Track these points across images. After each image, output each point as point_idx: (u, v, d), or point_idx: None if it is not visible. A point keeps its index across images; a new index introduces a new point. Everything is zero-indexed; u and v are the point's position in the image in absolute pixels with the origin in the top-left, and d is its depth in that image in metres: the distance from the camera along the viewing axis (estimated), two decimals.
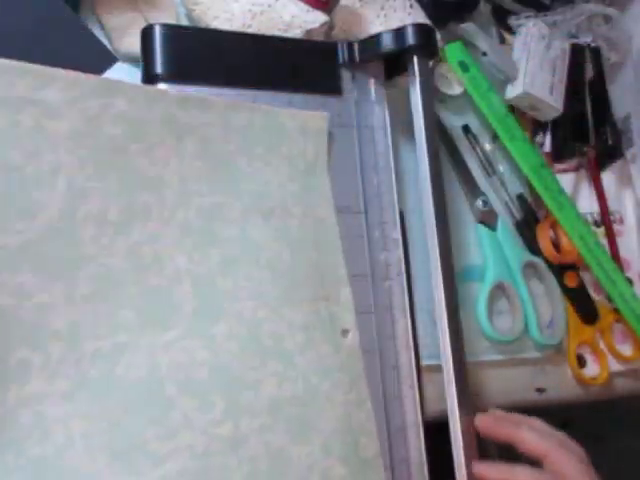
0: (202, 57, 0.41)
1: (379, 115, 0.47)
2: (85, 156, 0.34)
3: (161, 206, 0.37)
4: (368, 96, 0.48)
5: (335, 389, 0.40)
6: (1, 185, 0.31)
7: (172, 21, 0.46)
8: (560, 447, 0.40)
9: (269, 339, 0.38)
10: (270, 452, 0.37)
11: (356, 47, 0.47)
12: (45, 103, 0.33)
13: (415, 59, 0.46)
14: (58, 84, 0.33)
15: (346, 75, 0.47)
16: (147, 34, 0.41)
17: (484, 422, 0.42)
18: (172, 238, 0.37)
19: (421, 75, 0.46)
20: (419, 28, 0.46)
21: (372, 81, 0.48)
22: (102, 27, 0.45)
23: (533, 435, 0.40)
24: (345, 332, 0.41)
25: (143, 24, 0.43)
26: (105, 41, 0.44)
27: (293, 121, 0.43)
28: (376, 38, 0.46)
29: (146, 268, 0.35)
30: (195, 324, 0.36)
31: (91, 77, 0.35)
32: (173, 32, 0.42)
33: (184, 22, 0.47)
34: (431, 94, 0.47)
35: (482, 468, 0.40)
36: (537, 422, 0.42)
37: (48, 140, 0.33)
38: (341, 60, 0.47)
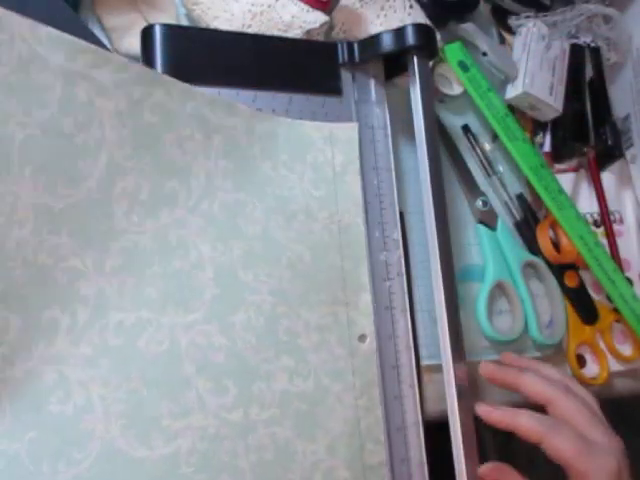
0: (202, 57, 0.41)
1: (379, 115, 0.47)
2: (126, 136, 0.36)
3: (187, 195, 0.38)
4: (368, 96, 0.48)
5: (346, 392, 0.40)
6: (54, 150, 0.33)
7: (172, 21, 0.46)
8: (565, 393, 0.40)
9: (285, 335, 0.40)
10: (277, 444, 0.38)
11: (356, 47, 0.47)
12: (97, 81, 0.35)
13: (415, 59, 0.46)
14: (110, 66, 0.35)
15: (346, 75, 0.47)
16: (147, 34, 0.41)
17: (488, 369, 0.43)
18: (197, 226, 0.38)
19: (421, 75, 0.46)
20: (419, 28, 0.46)
21: (372, 81, 0.48)
22: (102, 27, 0.45)
23: (537, 380, 0.41)
24: (362, 337, 0.42)
25: (143, 24, 0.43)
26: (105, 41, 0.44)
27: (319, 132, 0.44)
28: (376, 38, 0.46)
29: (171, 251, 0.37)
30: (215, 310, 0.38)
31: (137, 66, 0.37)
32: (173, 32, 0.42)
33: (184, 22, 0.47)
34: (431, 94, 0.47)
35: (484, 409, 0.41)
36: (545, 367, 0.43)
37: (97, 115, 0.35)
38: (341, 60, 0.47)
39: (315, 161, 0.44)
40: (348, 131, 0.45)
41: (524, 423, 0.39)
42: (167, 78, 0.38)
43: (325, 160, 0.44)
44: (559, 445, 0.38)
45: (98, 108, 0.35)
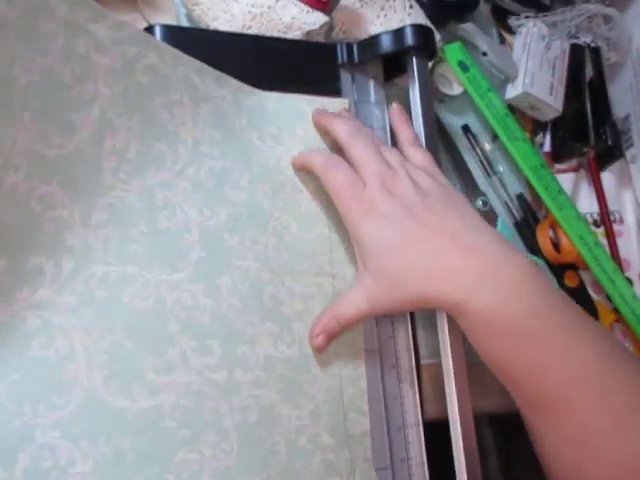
0: (202, 58, 0.41)
1: (378, 116, 0.48)
2: (118, 93, 0.36)
3: (175, 158, 0.39)
4: (367, 97, 0.48)
5: (330, 361, 0.41)
6: (52, 98, 0.34)
7: (172, 22, 0.46)
8: (380, 176, 0.39)
9: (269, 301, 0.40)
10: (261, 406, 0.38)
11: (355, 48, 0.47)
12: (95, 36, 0.35)
13: (414, 59, 0.46)
14: (107, 23, 0.36)
15: (345, 76, 0.47)
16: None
17: (318, 112, 0.43)
18: (183, 190, 0.39)
19: (420, 75, 0.46)
20: (418, 29, 0.46)
21: (371, 82, 0.48)
22: None
23: (362, 145, 0.40)
24: None
25: (143, 24, 0.43)
26: None
27: (310, 105, 0.44)
28: (375, 39, 0.47)
29: (157, 211, 0.37)
30: (201, 272, 0.38)
31: (132, 26, 0.37)
32: (174, 33, 0.42)
33: (184, 23, 0.48)
34: (430, 95, 0.47)
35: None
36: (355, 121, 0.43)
37: (92, 69, 0.35)
38: (340, 61, 0.47)
39: (305, 134, 0.44)
40: (338, 106, 0.45)
41: (314, 157, 0.41)
42: (159, 42, 0.39)
43: (315, 134, 0.45)
44: (331, 179, 0.40)
45: (94, 62, 0.35)
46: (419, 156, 0.43)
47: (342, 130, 0.42)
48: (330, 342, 0.40)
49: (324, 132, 0.43)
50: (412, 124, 0.45)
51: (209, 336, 0.37)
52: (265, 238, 0.41)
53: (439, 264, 0.37)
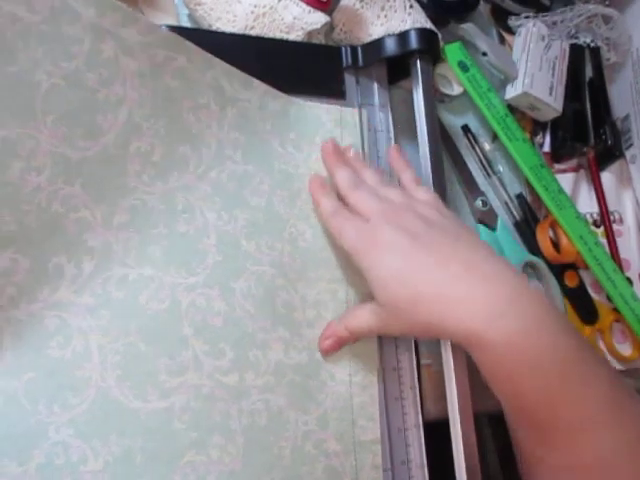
0: None
1: (382, 119, 0.48)
2: (146, 97, 0.37)
3: (198, 162, 0.39)
4: (372, 100, 0.48)
5: (341, 368, 0.41)
6: (76, 102, 0.34)
7: (173, 22, 0.46)
8: (384, 212, 0.39)
9: (282, 307, 0.40)
10: (270, 411, 0.38)
11: (360, 51, 0.47)
12: (124, 40, 0.35)
13: (418, 63, 0.47)
14: (138, 27, 0.36)
15: (350, 79, 0.47)
16: None
17: (328, 144, 0.43)
18: (204, 193, 0.39)
19: (424, 79, 0.46)
20: (422, 33, 0.46)
21: (376, 85, 0.48)
22: None
23: (362, 192, 0.40)
24: None
25: None
26: None
27: (329, 115, 0.45)
28: (380, 42, 0.47)
29: (177, 214, 0.38)
30: (217, 275, 0.38)
31: (164, 30, 0.38)
32: (177, 33, 0.42)
33: (185, 23, 0.47)
34: (434, 98, 0.47)
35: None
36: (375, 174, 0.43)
37: (120, 73, 0.36)
38: (345, 64, 0.47)
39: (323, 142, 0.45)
40: (355, 116, 0.46)
41: (322, 201, 0.42)
42: (191, 45, 0.39)
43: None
44: (335, 224, 0.40)
45: (122, 66, 0.36)
46: (423, 193, 0.42)
47: (342, 181, 0.42)
48: (338, 348, 0.40)
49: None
50: (412, 165, 0.46)
51: (222, 340, 0.38)
52: (281, 244, 0.41)
53: (451, 292, 0.35)
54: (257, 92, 0.42)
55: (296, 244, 0.42)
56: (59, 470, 0.32)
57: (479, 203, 0.52)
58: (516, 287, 0.35)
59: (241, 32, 0.45)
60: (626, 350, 0.53)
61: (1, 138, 0.32)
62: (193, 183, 0.39)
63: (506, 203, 0.54)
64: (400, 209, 0.39)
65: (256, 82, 0.42)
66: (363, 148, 0.46)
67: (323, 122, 0.45)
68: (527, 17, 0.57)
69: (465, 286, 0.35)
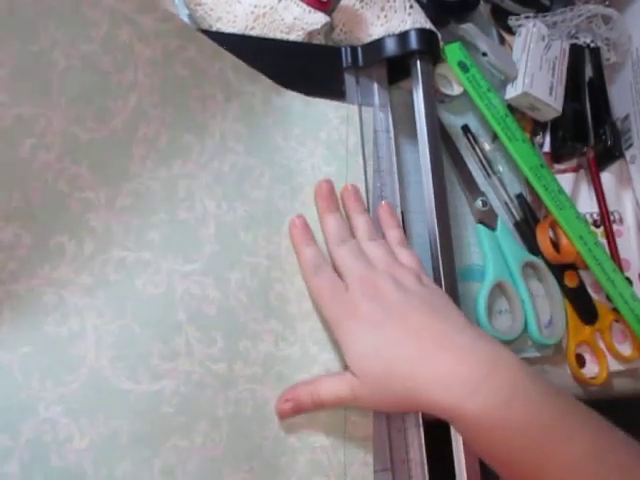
0: None
1: (382, 119, 0.48)
2: (156, 84, 0.37)
3: (201, 151, 0.40)
4: (372, 100, 0.48)
5: (334, 362, 0.41)
6: (90, 84, 0.35)
7: None
8: (363, 278, 0.39)
9: (276, 300, 0.41)
10: (255, 401, 0.38)
11: (360, 51, 0.47)
12: (140, 27, 0.36)
13: (418, 63, 0.47)
14: (155, 15, 0.37)
15: (350, 79, 0.47)
16: None
17: (322, 185, 0.43)
18: (205, 182, 0.40)
19: (424, 79, 0.46)
20: (422, 33, 0.46)
21: (375, 85, 0.48)
22: None
23: (346, 250, 0.41)
24: None
25: None
26: None
27: (336, 111, 0.46)
28: (380, 42, 0.47)
29: (178, 201, 0.38)
30: (213, 265, 0.39)
31: (179, 19, 0.39)
32: None
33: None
34: (434, 98, 0.47)
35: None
36: (377, 244, 0.42)
37: (133, 59, 0.36)
38: (345, 64, 0.47)
39: (328, 138, 0.45)
40: (364, 114, 0.47)
41: (303, 250, 0.41)
42: (202, 36, 0.40)
43: (339, 138, 0.46)
44: (313, 282, 0.40)
45: (136, 52, 0.36)
46: (406, 256, 0.42)
47: (330, 230, 0.42)
48: (295, 414, 0.39)
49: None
50: (399, 221, 0.46)
51: (214, 328, 0.38)
52: (279, 238, 0.42)
53: (425, 367, 0.35)
54: (262, 86, 0.42)
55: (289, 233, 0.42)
56: (46, 446, 0.32)
57: (479, 203, 0.52)
58: (490, 358, 0.35)
59: (241, 32, 0.45)
60: (626, 350, 0.53)
61: (15, 115, 0.32)
62: (195, 172, 0.39)
63: (506, 203, 0.54)
64: (380, 277, 0.39)
65: (262, 77, 0.42)
66: (363, 147, 0.46)
67: (329, 118, 0.45)
68: (527, 17, 0.57)
69: (441, 361, 0.35)
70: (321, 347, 0.41)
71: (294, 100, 0.44)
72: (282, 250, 0.42)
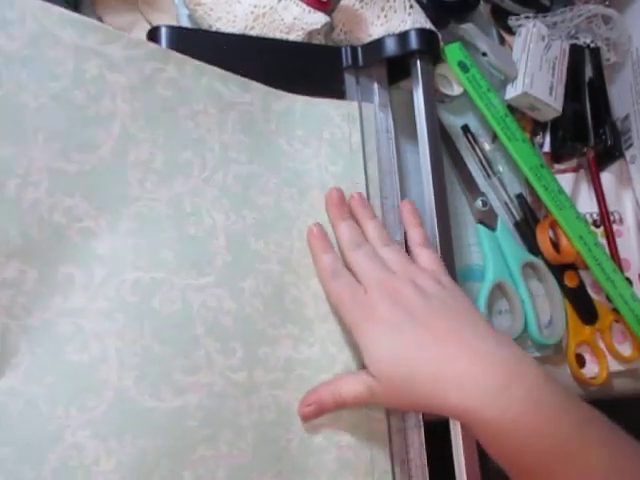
0: (208, 59, 0.41)
1: (382, 119, 0.48)
2: (138, 108, 0.37)
3: (202, 166, 0.40)
4: (372, 100, 0.48)
5: (354, 361, 0.42)
6: (66, 119, 0.35)
7: (172, 21, 0.46)
8: (381, 282, 0.39)
9: (291, 304, 0.41)
10: (279, 406, 0.39)
11: (360, 51, 0.47)
12: (109, 57, 0.36)
13: (418, 63, 0.47)
14: (121, 43, 0.37)
15: (350, 79, 0.47)
16: (153, 35, 0.42)
17: (332, 193, 0.43)
18: (211, 196, 0.40)
19: (424, 79, 0.46)
20: (422, 33, 0.46)
21: (376, 85, 0.48)
22: None
23: (362, 255, 0.40)
24: None
25: (144, 24, 0.43)
26: None
27: (337, 109, 0.46)
28: (380, 42, 0.47)
29: (186, 217, 0.38)
30: (226, 276, 0.39)
31: (149, 43, 0.39)
32: (179, 34, 0.42)
33: (185, 23, 0.47)
34: (434, 98, 0.47)
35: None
36: (388, 250, 0.42)
37: (108, 89, 0.36)
38: (345, 64, 0.47)
39: (332, 137, 0.45)
40: (365, 110, 0.47)
41: (321, 257, 0.41)
42: (178, 55, 0.39)
43: (342, 137, 0.45)
44: (332, 287, 0.40)
45: (110, 82, 0.36)
46: (426, 257, 0.42)
47: (343, 237, 0.42)
48: (319, 416, 0.39)
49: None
50: (422, 222, 0.45)
51: (232, 338, 0.38)
52: (290, 242, 0.42)
53: (446, 370, 0.35)
54: (258, 94, 0.42)
55: (305, 240, 0.42)
56: (73, 472, 0.32)
57: (479, 203, 0.52)
58: (515, 363, 0.35)
59: (241, 32, 0.45)
60: (626, 350, 0.53)
61: None
62: (199, 187, 0.39)
63: (506, 203, 0.54)
64: (398, 281, 0.39)
65: (254, 84, 0.42)
66: (364, 144, 0.46)
67: (331, 117, 0.45)
68: (527, 17, 0.57)
69: (462, 364, 0.35)
70: (340, 347, 0.42)
71: (294, 102, 0.44)
72: (294, 253, 0.42)
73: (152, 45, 0.38)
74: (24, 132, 0.33)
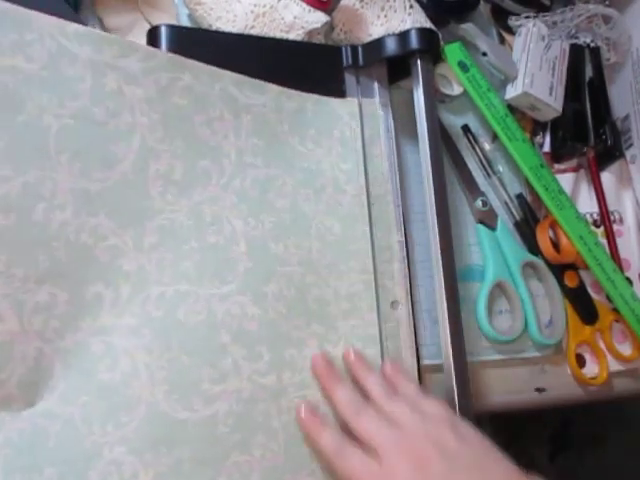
0: (208, 58, 0.41)
1: (383, 118, 0.48)
2: (156, 120, 0.38)
3: (220, 173, 0.40)
4: (372, 99, 0.48)
5: (377, 355, 0.43)
6: (88, 136, 0.35)
7: (172, 21, 0.46)
8: (396, 445, 0.35)
9: (314, 303, 0.42)
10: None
11: (360, 50, 0.47)
12: (125, 70, 0.37)
13: (419, 63, 0.47)
14: (137, 55, 0.37)
15: (350, 78, 0.47)
16: (154, 34, 0.42)
17: (317, 361, 0.40)
18: (230, 202, 0.40)
19: (424, 79, 0.46)
20: (423, 32, 0.46)
21: (376, 84, 0.48)
22: (103, 27, 0.45)
23: (367, 420, 0.37)
24: (395, 304, 0.44)
25: (144, 24, 0.43)
26: None
27: (345, 108, 0.46)
28: (380, 42, 0.47)
29: (206, 227, 0.39)
30: (248, 282, 0.40)
31: (164, 53, 0.39)
32: (179, 33, 0.42)
33: (185, 23, 0.47)
34: (434, 97, 0.47)
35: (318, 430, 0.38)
36: (384, 395, 0.39)
37: (127, 102, 0.37)
38: (345, 63, 0.47)
39: (342, 135, 0.46)
40: (371, 106, 0.47)
41: (323, 437, 0.38)
42: (193, 63, 0.40)
43: (352, 134, 0.46)
44: (344, 464, 0.36)
45: (128, 95, 0.37)
46: (433, 407, 0.39)
47: (342, 405, 0.39)
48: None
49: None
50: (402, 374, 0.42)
51: (258, 343, 0.39)
52: (309, 242, 0.42)
53: None
54: (271, 95, 0.43)
55: (324, 239, 0.43)
56: None
57: (479, 203, 0.52)
58: None
59: (241, 31, 0.45)
60: (626, 350, 0.53)
61: (22, 184, 0.33)
62: (218, 194, 0.40)
63: (506, 203, 0.54)
64: (411, 437, 0.36)
65: (269, 86, 0.43)
66: (363, 141, 0.46)
67: (340, 115, 0.46)
68: (527, 17, 0.57)
69: None
70: (365, 343, 0.42)
71: (306, 101, 0.45)
72: (313, 253, 0.42)
73: (167, 55, 0.39)
74: (48, 155, 0.34)
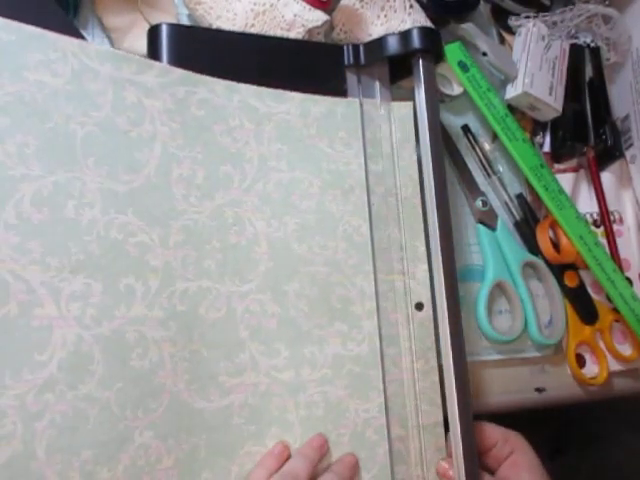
0: (208, 57, 0.41)
1: (384, 117, 0.48)
2: (176, 129, 0.40)
3: (242, 177, 0.42)
4: (373, 98, 0.48)
5: (402, 356, 0.43)
6: (113, 143, 0.38)
7: (172, 21, 0.46)
8: None
9: (338, 302, 0.42)
10: (328, 402, 0.41)
11: (362, 49, 0.47)
12: (144, 85, 0.39)
13: (420, 62, 0.46)
14: (153, 72, 0.40)
15: (351, 77, 0.47)
16: (154, 33, 0.42)
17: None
18: (252, 205, 0.42)
19: (426, 78, 0.46)
20: (424, 31, 0.46)
21: (377, 83, 0.48)
22: (103, 27, 0.45)
23: None
24: (419, 305, 0.44)
25: (144, 24, 0.43)
26: (106, 41, 0.45)
27: (377, 109, 0.47)
28: (381, 41, 0.47)
29: (228, 228, 0.41)
30: (269, 281, 0.41)
31: (179, 70, 0.41)
32: (179, 32, 0.42)
33: (186, 22, 0.47)
34: (436, 97, 0.47)
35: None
36: None
37: (147, 113, 0.39)
38: (347, 62, 0.47)
39: (373, 137, 0.46)
40: (403, 108, 0.48)
41: None
42: (207, 78, 0.41)
43: (383, 136, 0.47)
44: None
45: (147, 107, 0.39)
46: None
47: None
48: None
49: None
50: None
51: (276, 340, 0.40)
52: (335, 242, 0.43)
53: None
54: (294, 102, 0.44)
55: (352, 240, 0.44)
56: (140, 470, 0.35)
57: (479, 203, 0.52)
58: None
59: (241, 30, 0.45)
60: (626, 350, 0.53)
61: (52, 183, 0.35)
62: (239, 197, 0.41)
63: (506, 203, 0.54)
64: None
65: (288, 94, 0.44)
66: (392, 143, 0.47)
67: (372, 117, 0.47)
68: (527, 17, 0.57)
69: None
70: (388, 342, 0.43)
71: (335, 105, 0.45)
72: (339, 253, 0.43)
73: (181, 71, 0.41)
74: (75, 159, 0.36)
